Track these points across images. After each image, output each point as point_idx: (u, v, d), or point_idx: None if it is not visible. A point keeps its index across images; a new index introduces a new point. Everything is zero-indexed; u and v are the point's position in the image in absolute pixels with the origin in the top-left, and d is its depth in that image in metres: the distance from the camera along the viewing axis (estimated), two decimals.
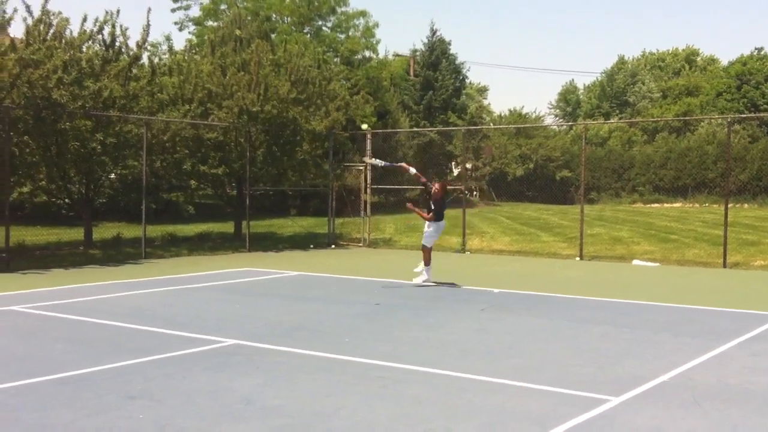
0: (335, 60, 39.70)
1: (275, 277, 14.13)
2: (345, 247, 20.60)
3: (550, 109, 75.17)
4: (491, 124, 51.56)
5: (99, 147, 17.04)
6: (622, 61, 71.99)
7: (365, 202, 21.26)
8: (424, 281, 12.85)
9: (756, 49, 58.23)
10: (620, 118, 61.57)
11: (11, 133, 15.31)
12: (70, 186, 18.55)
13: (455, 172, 44.84)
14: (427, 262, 12.91)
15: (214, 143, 19.70)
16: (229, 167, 20.31)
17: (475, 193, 46.03)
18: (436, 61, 47.15)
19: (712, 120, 48.38)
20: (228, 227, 22.84)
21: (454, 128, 39.23)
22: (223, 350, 7.77)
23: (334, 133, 21.54)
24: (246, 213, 19.72)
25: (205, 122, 19.41)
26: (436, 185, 13.02)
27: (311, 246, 20.46)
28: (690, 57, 76.26)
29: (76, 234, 19.83)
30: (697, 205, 41.00)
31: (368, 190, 21.44)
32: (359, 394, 6.21)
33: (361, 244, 20.92)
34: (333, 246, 20.61)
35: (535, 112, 63.64)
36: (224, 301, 11.15)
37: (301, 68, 21.01)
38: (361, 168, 21.78)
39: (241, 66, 20.59)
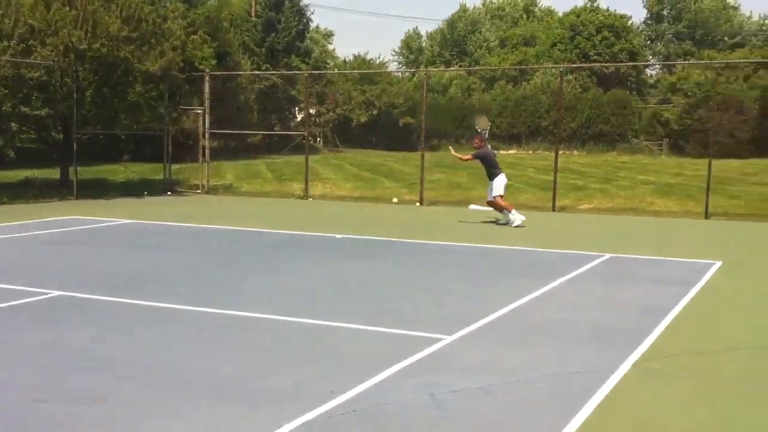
0: None
1: (106, 225, 13.39)
2: (182, 194, 19.89)
3: (394, 55, 75.75)
4: (335, 70, 51.22)
5: None
6: (463, 9, 73.38)
7: (204, 147, 20.56)
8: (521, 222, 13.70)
9: (589, 1, 60.58)
10: (460, 66, 62.90)
11: None
12: None
13: (298, 117, 44.31)
14: (509, 207, 14.05)
15: (38, 83, 18.29)
16: (54, 109, 18.96)
17: (318, 139, 45.80)
18: (279, 1, 46.00)
19: (547, 69, 50.39)
20: (54, 173, 21.42)
21: (297, 72, 38.56)
22: (49, 302, 7.27)
23: (170, 75, 20.56)
24: (73, 158, 18.54)
25: (27, 60, 17.96)
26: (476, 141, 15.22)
27: (145, 193, 19.58)
28: (528, 7, 78.69)
29: None
30: (530, 151, 42.80)
31: (207, 135, 20.72)
32: (200, 344, 6.01)
33: (199, 191, 20.27)
34: (169, 193, 19.84)
35: (379, 58, 63.87)
36: (49, 252, 10.45)
37: (133, 4, 19.77)
38: (200, 112, 20.98)
39: (67, 0, 19.11)
